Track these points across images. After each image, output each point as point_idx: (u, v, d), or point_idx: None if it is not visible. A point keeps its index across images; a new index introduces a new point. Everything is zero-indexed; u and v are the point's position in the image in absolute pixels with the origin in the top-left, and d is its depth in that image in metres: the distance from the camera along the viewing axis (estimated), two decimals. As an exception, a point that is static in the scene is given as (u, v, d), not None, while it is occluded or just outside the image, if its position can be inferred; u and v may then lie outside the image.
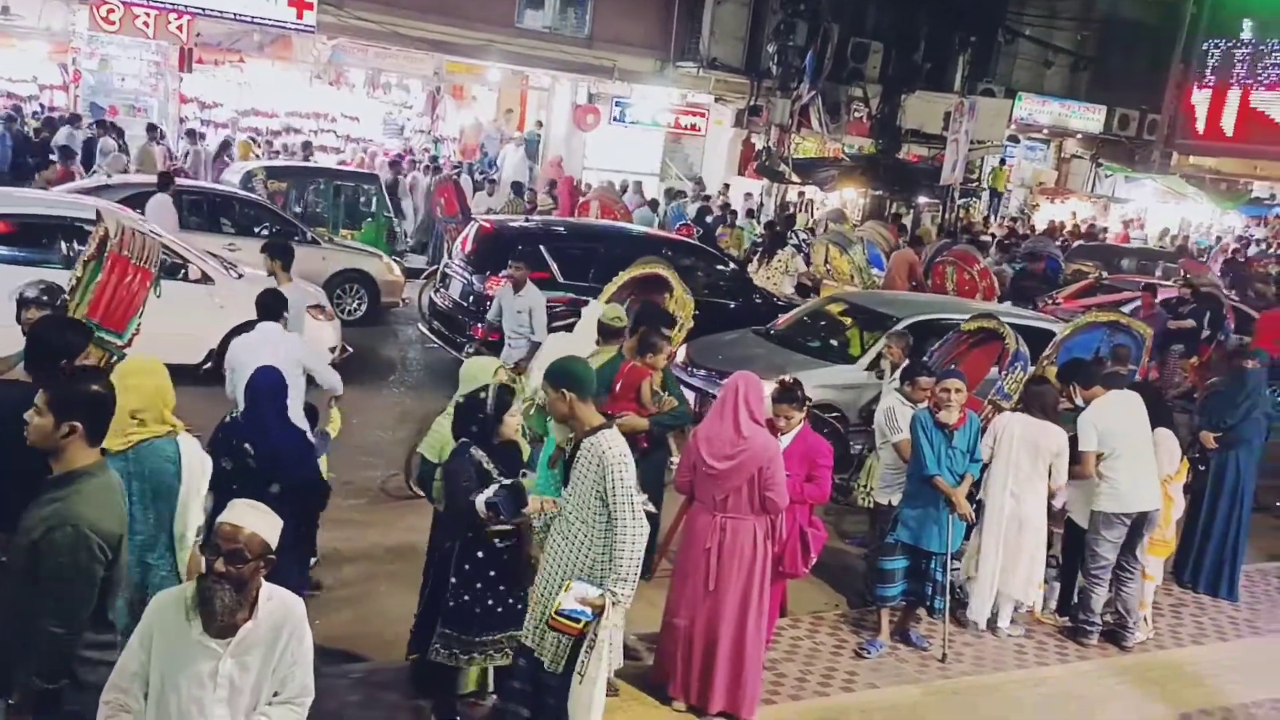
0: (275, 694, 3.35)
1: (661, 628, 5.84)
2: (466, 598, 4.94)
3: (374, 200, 16.72)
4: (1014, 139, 28.84)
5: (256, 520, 3.24)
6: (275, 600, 3.33)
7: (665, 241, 13.93)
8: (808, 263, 16.41)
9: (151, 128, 18.62)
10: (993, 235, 23.94)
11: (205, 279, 10.06)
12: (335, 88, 23.47)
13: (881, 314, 10.55)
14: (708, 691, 5.60)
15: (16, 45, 20.34)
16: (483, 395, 5.01)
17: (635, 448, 6.04)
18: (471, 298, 11.50)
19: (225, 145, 19.65)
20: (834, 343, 10.88)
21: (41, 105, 20.02)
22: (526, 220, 13.84)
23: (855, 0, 23.51)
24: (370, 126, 23.77)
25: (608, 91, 23.92)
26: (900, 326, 9.32)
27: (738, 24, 24.19)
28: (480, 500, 4.72)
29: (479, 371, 5.25)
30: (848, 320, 11.09)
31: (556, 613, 4.45)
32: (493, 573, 4.95)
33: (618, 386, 6.33)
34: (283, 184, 16.01)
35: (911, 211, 23.13)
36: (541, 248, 11.44)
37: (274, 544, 3.27)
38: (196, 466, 4.39)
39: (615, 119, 24.05)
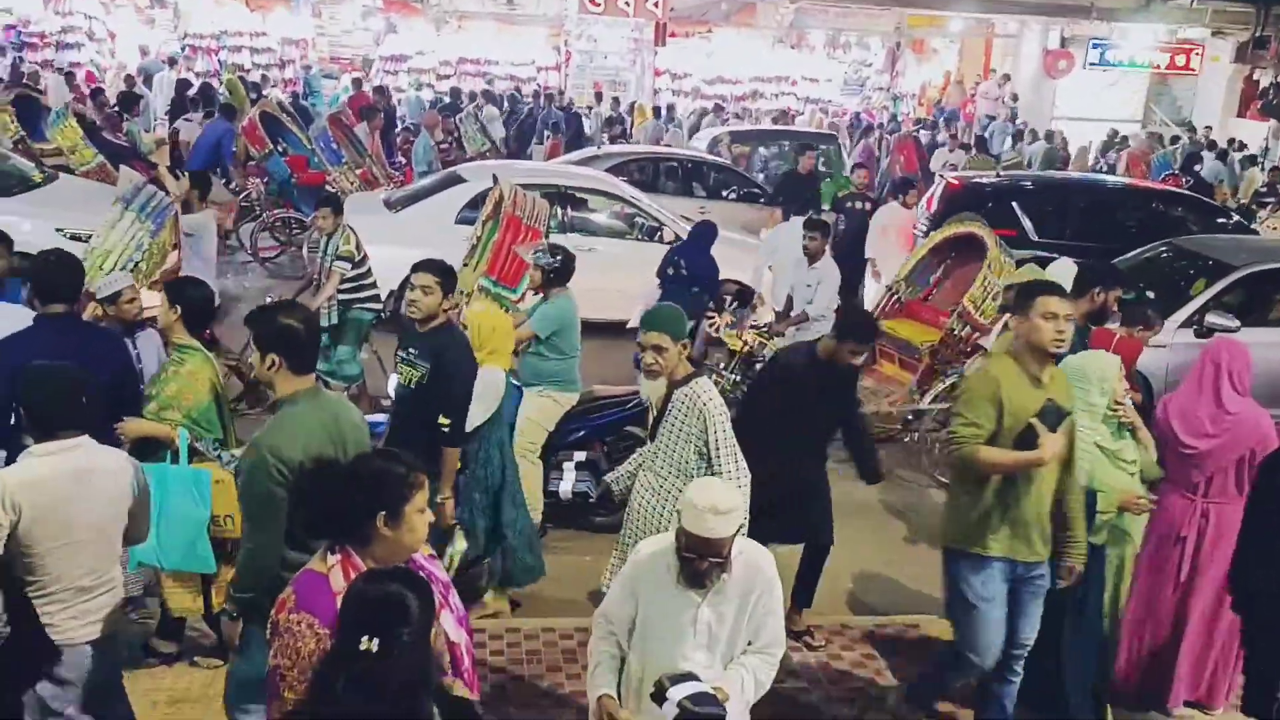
0: (749, 643, 3.45)
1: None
2: None
3: (831, 160, 16.75)
4: None
5: (722, 525, 3.21)
6: (746, 554, 3.41)
7: (1151, 194, 12.68)
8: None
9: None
10: None
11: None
12: (796, 51, 23.80)
13: (1214, 261, 8.77)
14: (1164, 685, 5.02)
15: (519, 33, 22.75)
16: None
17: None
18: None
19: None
20: (1150, 295, 8.67)
21: (538, 86, 22.23)
22: (996, 176, 13.18)
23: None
24: (830, 87, 23.87)
25: (1083, 34, 22.16)
26: (1237, 276, 8.20)
27: (1244, -55, 21.39)
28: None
29: (1102, 367, 4.53)
30: (1169, 269, 9.23)
31: None
32: None
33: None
34: (745, 148, 16.53)
35: None
36: (1014, 204, 10.81)
37: (743, 520, 3.29)
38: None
39: (1092, 63, 22.19)
